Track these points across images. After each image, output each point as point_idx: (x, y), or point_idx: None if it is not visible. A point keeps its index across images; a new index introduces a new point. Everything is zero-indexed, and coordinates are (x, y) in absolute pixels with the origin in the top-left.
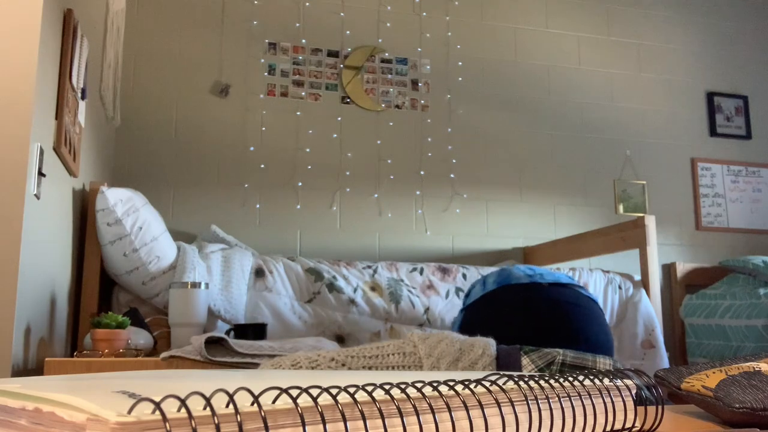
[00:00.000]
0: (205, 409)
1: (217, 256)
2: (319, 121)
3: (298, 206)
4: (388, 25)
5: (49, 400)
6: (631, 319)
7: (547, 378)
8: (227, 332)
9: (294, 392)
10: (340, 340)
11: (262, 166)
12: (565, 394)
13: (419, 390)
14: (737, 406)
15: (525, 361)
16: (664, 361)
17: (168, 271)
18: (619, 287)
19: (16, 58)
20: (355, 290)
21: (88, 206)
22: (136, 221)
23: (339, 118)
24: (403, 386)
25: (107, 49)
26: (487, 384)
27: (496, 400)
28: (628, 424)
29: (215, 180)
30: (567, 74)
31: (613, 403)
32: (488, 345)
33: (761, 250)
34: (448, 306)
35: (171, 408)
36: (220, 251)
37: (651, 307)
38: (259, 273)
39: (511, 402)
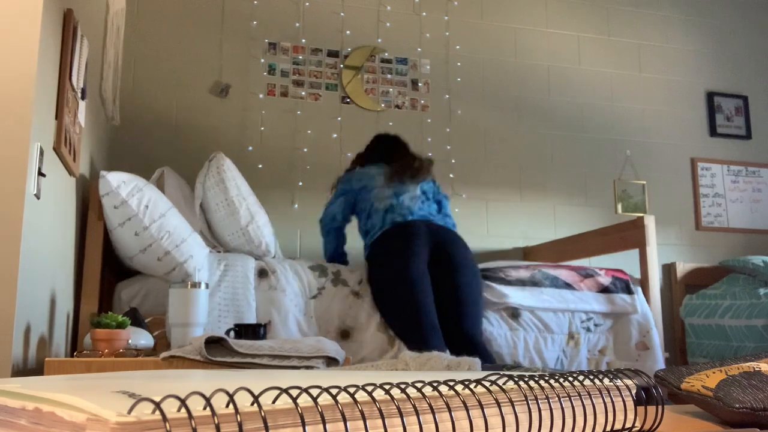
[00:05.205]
0: (205, 409)
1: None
2: (318, 121)
3: (296, 206)
4: (388, 25)
5: (49, 400)
6: (626, 320)
7: (547, 378)
8: (227, 332)
9: (294, 392)
10: (345, 335)
11: (260, 166)
12: (565, 394)
13: (419, 390)
14: (737, 406)
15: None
16: (659, 363)
17: (181, 244)
18: None
19: (16, 58)
20: (359, 282)
21: (88, 206)
22: (141, 200)
23: (339, 118)
24: (403, 386)
25: (107, 49)
26: (487, 384)
27: (496, 400)
28: (628, 424)
29: None
30: (567, 74)
31: (613, 403)
32: (474, 363)
33: (761, 250)
34: None
35: (171, 408)
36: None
37: (648, 308)
38: (262, 273)
39: (511, 402)
